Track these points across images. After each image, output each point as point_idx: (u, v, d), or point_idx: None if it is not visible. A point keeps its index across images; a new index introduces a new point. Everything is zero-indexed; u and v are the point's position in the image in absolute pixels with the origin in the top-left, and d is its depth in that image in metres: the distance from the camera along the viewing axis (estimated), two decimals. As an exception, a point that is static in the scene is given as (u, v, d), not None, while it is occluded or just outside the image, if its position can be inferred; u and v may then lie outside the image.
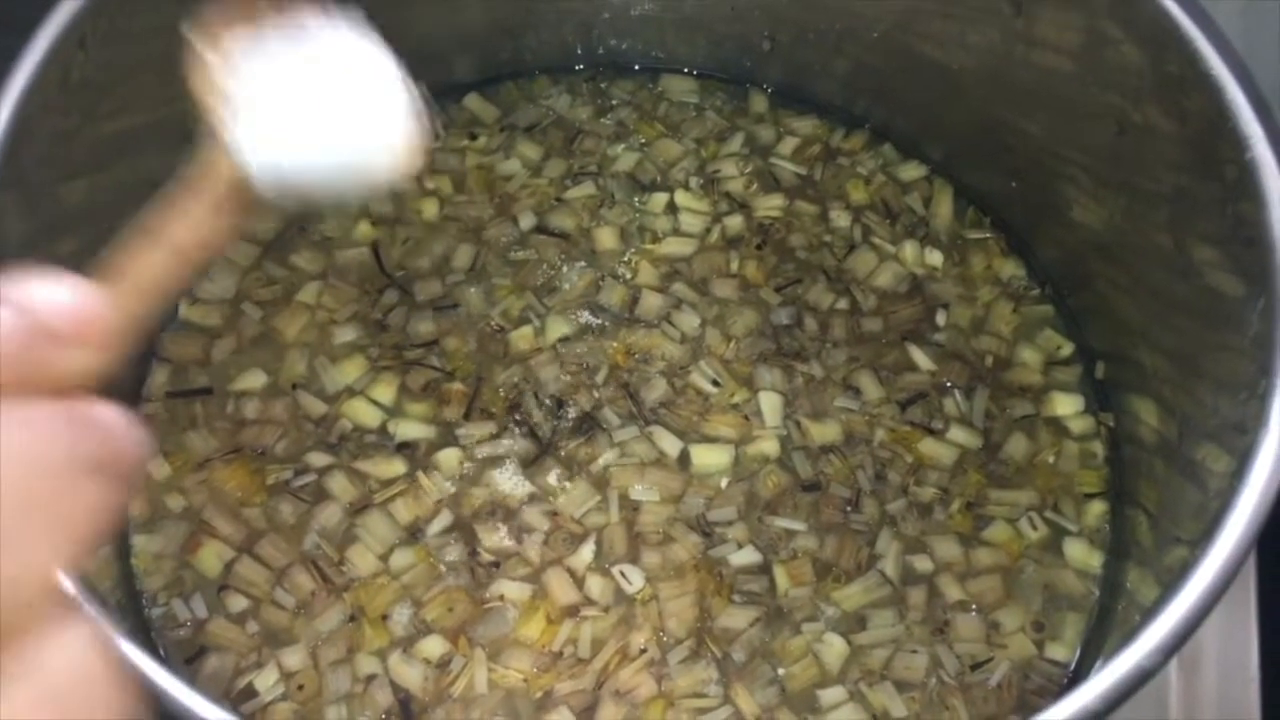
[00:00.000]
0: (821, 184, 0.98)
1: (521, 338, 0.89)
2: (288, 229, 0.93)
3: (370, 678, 0.77)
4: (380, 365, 0.87)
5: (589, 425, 0.85)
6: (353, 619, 0.79)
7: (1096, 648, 0.79)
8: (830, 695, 0.77)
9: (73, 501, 0.32)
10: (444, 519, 0.82)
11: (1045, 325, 0.92)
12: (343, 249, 0.93)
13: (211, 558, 0.80)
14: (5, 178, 0.65)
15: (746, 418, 0.86)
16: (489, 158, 0.98)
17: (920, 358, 0.89)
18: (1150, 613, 0.57)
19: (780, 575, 0.80)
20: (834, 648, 0.78)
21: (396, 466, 0.83)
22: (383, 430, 0.85)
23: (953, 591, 0.81)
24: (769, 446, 0.85)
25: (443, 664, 0.77)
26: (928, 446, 0.86)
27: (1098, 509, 0.85)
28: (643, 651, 0.78)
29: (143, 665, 0.53)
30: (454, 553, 0.81)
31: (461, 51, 1.00)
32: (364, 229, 0.94)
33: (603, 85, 1.03)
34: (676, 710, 0.76)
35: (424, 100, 0.56)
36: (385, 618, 0.79)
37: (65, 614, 0.32)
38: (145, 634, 0.78)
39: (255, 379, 0.87)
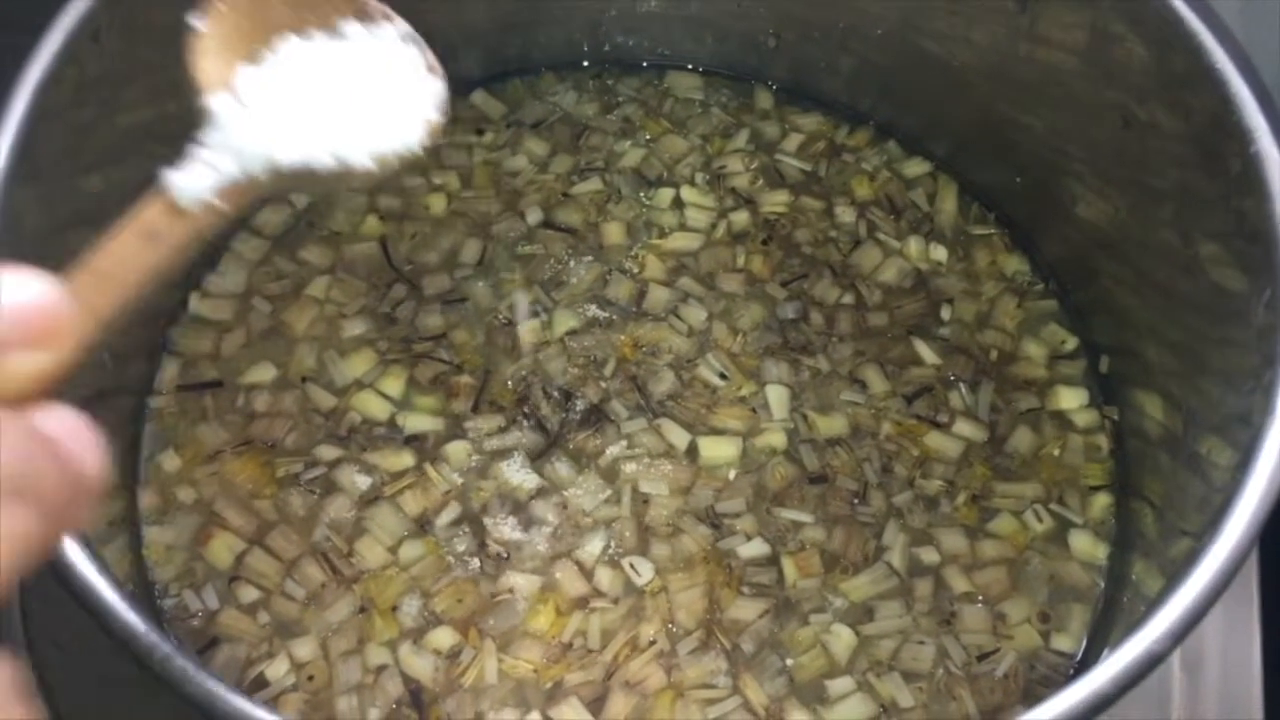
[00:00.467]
0: (827, 180, 0.99)
1: (529, 331, 0.89)
2: (297, 224, 0.94)
3: (381, 668, 0.77)
4: (389, 358, 0.88)
5: (597, 417, 0.86)
6: (363, 610, 0.79)
7: (1102, 638, 0.79)
8: (838, 685, 0.78)
9: None
10: (452, 511, 0.82)
11: (1049, 320, 0.93)
12: (351, 244, 0.93)
13: (222, 549, 0.81)
14: (22, 171, 0.65)
15: (754, 410, 0.87)
16: (496, 153, 0.99)
17: (925, 352, 0.90)
18: (1159, 598, 0.57)
19: (788, 567, 0.81)
20: (842, 638, 0.79)
21: (405, 459, 0.84)
22: (391, 423, 0.85)
23: (959, 583, 0.82)
24: (776, 439, 0.86)
25: (453, 655, 0.78)
26: (933, 440, 0.87)
27: (1102, 501, 0.85)
28: (652, 643, 0.78)
29: (163, 652, 0.54)
30: (463, 544, 0.81)
31: (468, 48, 1.00)
32: (372, 224, 0.94)
33: (609, 82, 1.04)
34: (686, 701, 0.77)
35: (435, 72, 0.55)
36: (395, 609, 0.79)
37: None
38: (158, 625, 0.78)
39: (265, 372, 0.87)
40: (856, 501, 0.84)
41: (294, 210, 0.94)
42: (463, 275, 0.92)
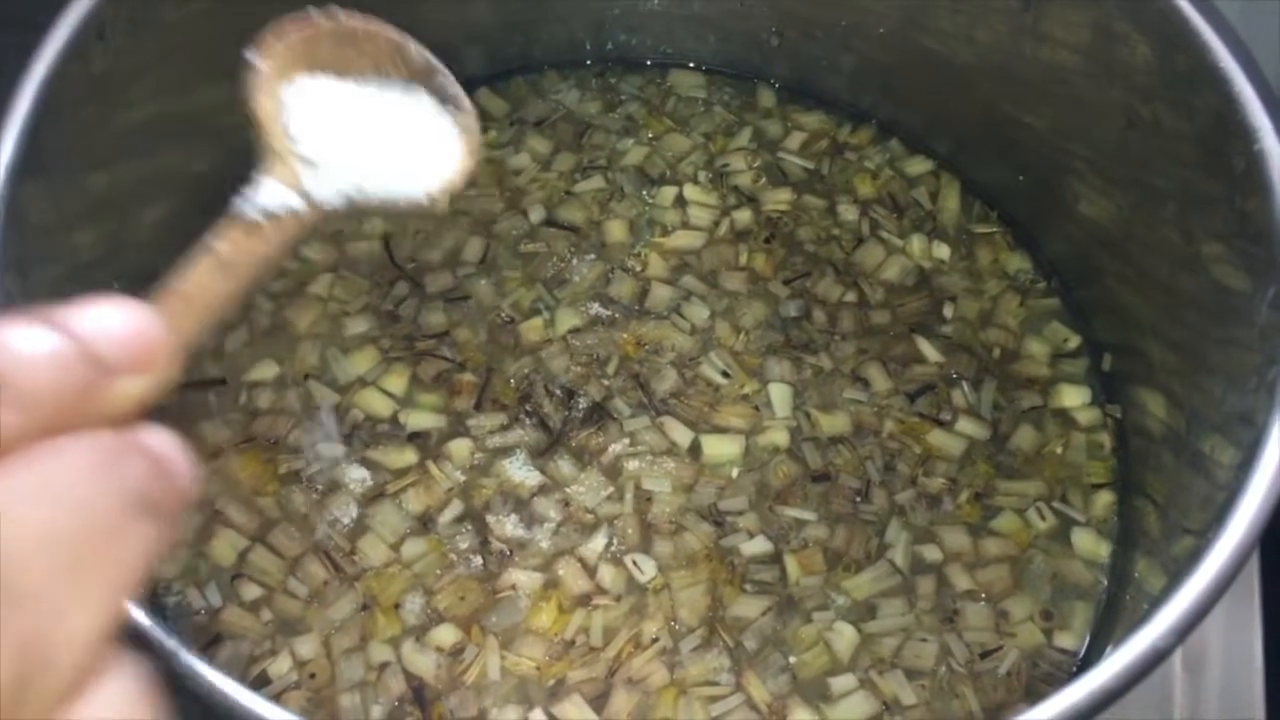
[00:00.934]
0: (829, 178, 0.99)
1: (532, 329, 0.89)
2: (299, 221, 0.94)
3: (383, 666, 0.77)
4: (392, 356, 0.88)
5: (600, 415, 0.86)
6: (365, 608, 0.79)
7: (1105, 636, 0.79)
8: (841, 683, 0.78)
9: (125, 548, 0.30)
10: (455, 508, 0.82)
11: (1052, 318, 0.93)
12: (354, 241, 0.93)
13: (225, 547, 0.81)
14: (28, 168, 0.65)
15: (756, 408, 0.87)
16: (499, 152, 0.99)
17: (928, 350, 0.90)
18: (1163, 596, 0.57)
19: (791, 564, 0.81)
20: (845, 636, 0.79)
21: (408, 456, 0.84)
22: (394, 420, 0.86)
23: (962, 581, 0.82)
24: (779, 437, 0.86)
25: (455, 652, 0.78)
26: (936, 437, 0.87)
27: (1105, 499, 0.85)
28: (655, 640, 0.78)
29: (169, 650, 0.54)
30: (466, 542, 0.81)
31: (471, 46, 1.00)
32: (375, 222, 0.94)
33: (612, 80, 1.04)
34: (688, 698, 0.77)
35: (471, 117, 0.59)
36: (397, 606, 0.79)
37: (113, 662, 0.30)
38: (161, 622, 0.78)
39: (268, 370, 0.87)
40: (859, 499, 0.84)
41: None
42: (465, 273, 0.92)
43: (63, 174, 0.70)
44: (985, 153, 0.97)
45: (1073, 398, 0.89)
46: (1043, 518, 0.84)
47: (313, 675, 0.77)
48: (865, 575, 0.81)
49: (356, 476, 0.83)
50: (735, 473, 0.85)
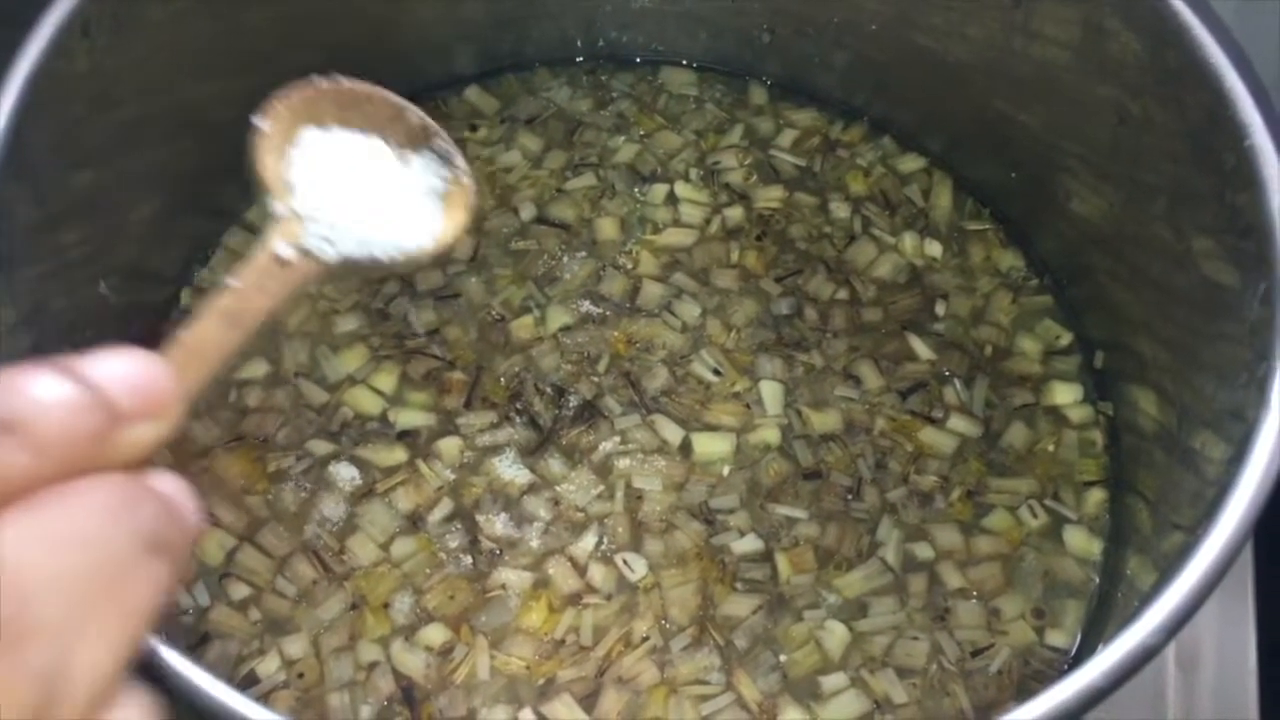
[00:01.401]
0: (821, 176, 0.98)
1: (522, 327, 0.89)
2: (289, 219, 0.94)
3: (372, 665, 0.77)
4: (381, 354, 0.88)
5: (590, 413, 0.86)
6: (354, 607, 0.79)
7: (1097, 634, 0.79)
8: (832, 682, 0.78)
9: (138, 586, 0.32)
10: (445, 507, 0.82)
11: (1044, 315, 0.93)
12: (344, 239, 0.93)
13: (213, 546, 0.80)
14: (12, 167, 0.65)
15: (748, 406, 0.87)
16: (489, 149, 0.98)
17: (920, 347, 0.90)
18: (1154, 591, 0.57)
19: (782, 563, 0.81)
20: (835, 634, 0.79)
21: (397, 454, 0.84)
22: (384, 418, 0.85)
23: (953, 579, 0.82)
24: (770, 435, 0.85)
25: (445, 652, 0.78)
26: (928, 435, 0.86)
27: (1097, 497, 0.85)
28: (645, 639, 0.78)
29: (154, 649, 0.53)
30: (455, 541, 0.81)
31: (462, 43, 1.00)
32: (365, 220, 0.94)
33: (603, 78, 1.03)
34: (679, 697, 0.77)
35: (467, 175, 0.61)
36: (387, 606, 0.79)
37: (124, 694, 0.32)
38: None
39: (257, 367, 0.87)
40: (850, 497, 0.84)
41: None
42: (455, 271, 0.92)
43: (48, 172, 0.70)
44: (978, 150, 0.96)
45: (1065, 395, 0.89)
46: (1034, 515, 0.84)
47: (301, 675, 0.77)
48: (856, 573, 0.81)
49: (346, 475, 0.83)
50: (726, 471, 0.84)
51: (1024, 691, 0.78)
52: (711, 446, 0.85)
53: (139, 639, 0.32)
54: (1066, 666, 0.79)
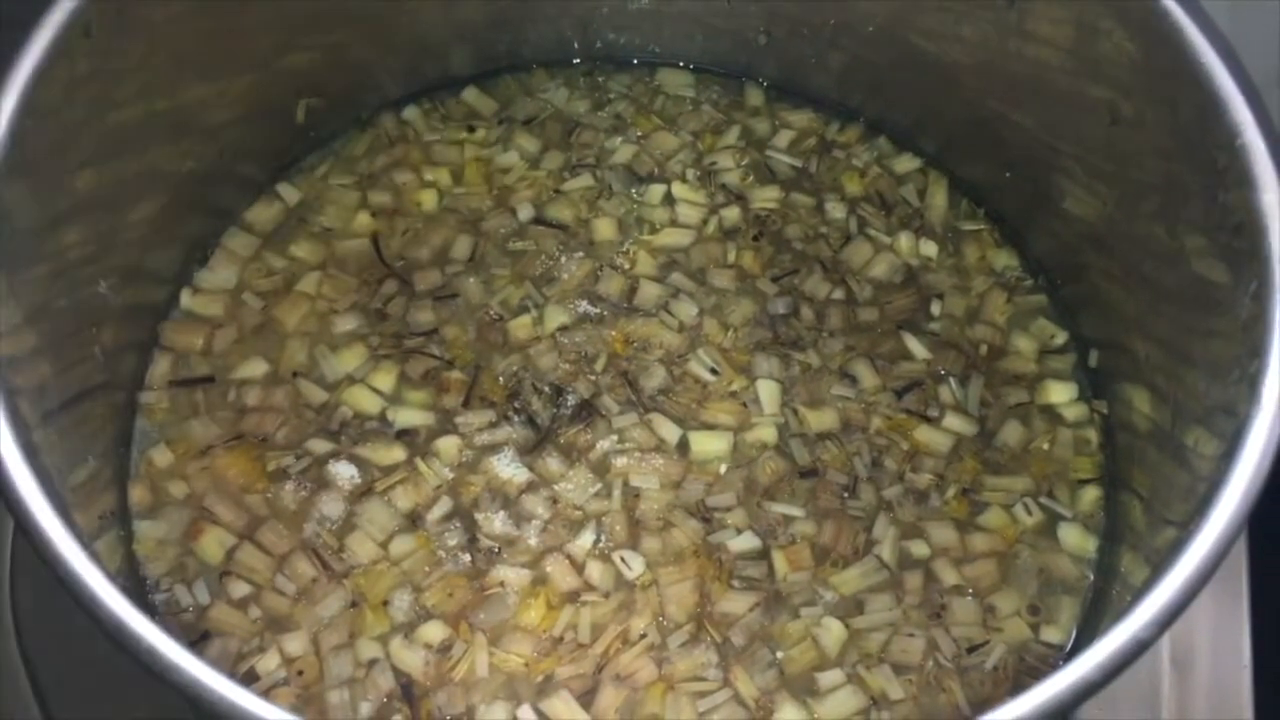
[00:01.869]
0: (817, 176, 0.99)
1: (520, 327, 0.90)
2: (288, 220, 0.94)
3: (372, 662, 0.77)
4: (380, 354, 0.88)
5: (588, 412, 0.86)
6: (353, 605, 0.79)
7: (1091, 630, 0.79)
8: (828, 678, 0.78)
9: None
10: (444, 505, 0.83)
11: (1039, 314, 0.93)
12: (343, 240, 0.93)
13: (213, 544, 0.81)
14: (14, 167, 0.65)
15: (744, 405, 0.87)
16: (487, 150, 0.99)
17: (916, 346, 0.90)
18: (1146, 586, 0.57)
19: (779, 560, 0.81)
20: (832, 631, 0.79)
21: (396, 453, 0.84)
22: (382, 417, 0.86)
23: (949, 576, 0.82)
24: (767, 433, 0.86)
25: (444, 649, 0.78)
26: (924, 434, 0.87)
27: (1092, 494, 0.86)
28: (643, 636, 0.78)
29: (155, 641, 0.54)
30: (454, 539, 0.82)
31: (460, 45, 1.01)
32: (364, 220, 0.94)
33: (600, 79, 1.04)
34: (676, 694, 0.77)
35: None
36: (386, 603, 0.79)
37: None
38: (149, 619, 0.78)
39: (256, 367, 0.87)
40: (847, 495, 0.84)
41: (285, 206, 0.95)
42: (454, 271, 0.92)
43: (49, 173, 0.70)
44: (972, 150, 0.97)
45: (1060, 394, 0.89)
46: (1030, 513, 0.84)
47: (301, 672, 0.77)
48: (853, 571, 0.81)
49: (345, 473, 0.83)
50: (723, 469, 0.85)
51: (1020, 687, 0.77)
52: (708, 445, 0.85)
53: None
54: (1062, 662, 0.79)
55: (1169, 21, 0.72)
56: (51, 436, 0.68)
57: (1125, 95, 0.78)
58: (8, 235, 0.66)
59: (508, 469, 0.84)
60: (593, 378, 0.88)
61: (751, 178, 0.99)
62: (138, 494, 0.83)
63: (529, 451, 0.85)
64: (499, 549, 0.81)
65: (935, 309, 0.92)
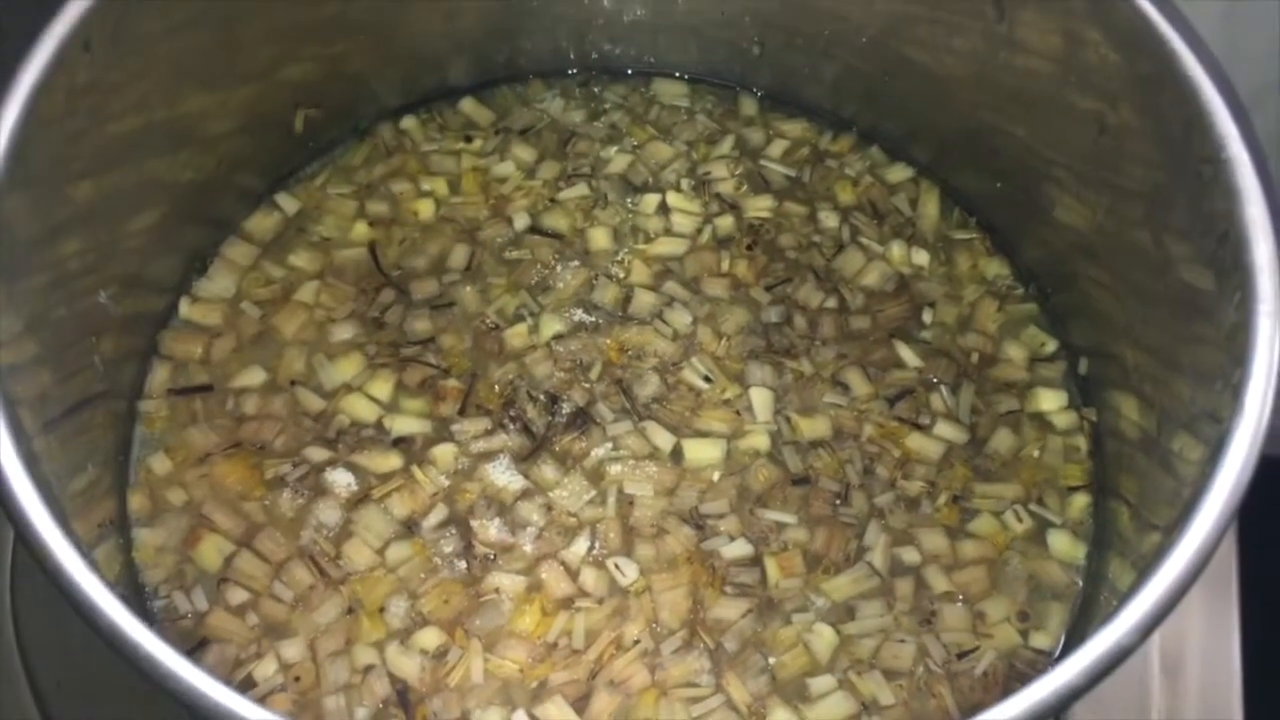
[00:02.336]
0: (810, 185, 1.00)
1: (516, 335, 0.90)
2: (286, 229, 0.95)
3: (368, 668, 0.78)
4: (377, 362, 0.89)
5: (583, 420, 0.87)
6: (350, 611, 0.80)
7: (1080, 636, 0.80)
8: (820, 684, 0.79)
9: None
10: (440, 513, 0.83)
11: (1029, 323, 0.94)
12: (340, 249, 0.94)
13: (211, 551, 0.82)
14: (14, 178, 0.66)
15: (738, 413, 0.88)
16: (484, 160, 1.00)
17: (907, 355, 0.91)
18: (1130, 592, 0.58)
19: (771, 567, 0.82)
20: (823, 637, 0.80)
21: (393, 461, 0.85)
22: (379, 425, 0.86)
23: (939, 582, 0.83)
24: (760, 441, 0.87)
25: (439, 655, 0.79)
26: (915, 441, 0.88)
27: (1081, 502, 0.86)
28: (636, 642, 0.79)
29: (153, 649, 0.55)
30: (450, 546, 0.82)
31: (457, 56, 1.02)
32: (361, 229, 0.95)
33: (595, 89, 1.05)
34: (669, 699, 0.78)
35: None
36: (382, 610, 0.80)
37: None
38: (147, 626, 0.79)
39: (254, 376, 0.88)
40: (838, 502, 0.85)
41: (283, 216, 0.96)
42: (450, 280, 0.93)
43: (49, 184, 0.71)
44: (964, 160, 0.98)
45: (1050, 401, 0.90)
46: (1020, 520, 0.85)
47: (298, 678, 0.78)
48: (844, 577, 0.82)
49: (342, 481, 0.84)
50: (716, 476, 0.86)
51: (1009, 693, 0.78)
52: (702, 452, 0.86)
53: None
54: (1051, 668, 0.80)
55: (1155, 34, 0.73)
56: (52, 445, 0.69)
57: (1113, 106, 0.79)
58: (8, 246, 0.67)
59: (503, 476, 0.85)
60: (587, 386, 0.89)
61: (745, 187, 1.00)
62: (137, 502, 0.83)
63: (524, 459, 0.85)
64: (494, 556, 0.82)
65: (927, 317, 0.93)
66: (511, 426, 0.87)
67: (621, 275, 0.94)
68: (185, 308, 0.91)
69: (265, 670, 0.78)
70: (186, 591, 0.81)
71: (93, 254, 0.77)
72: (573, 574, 0.82)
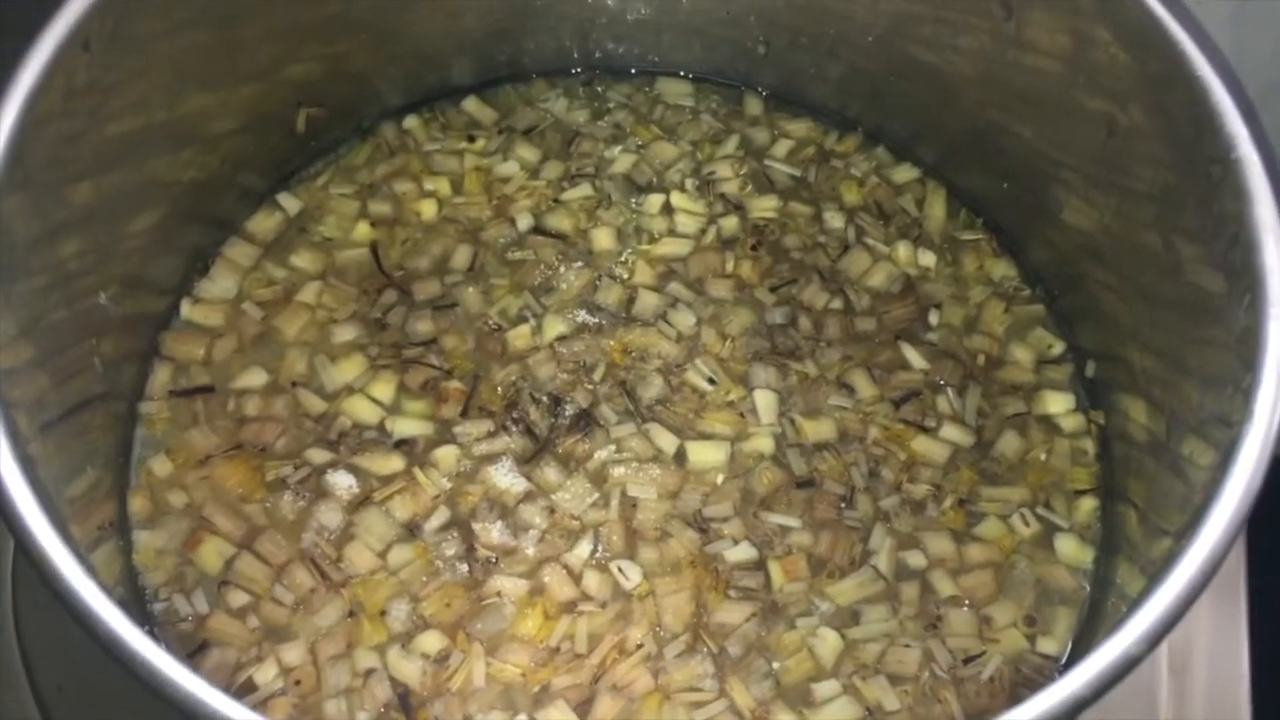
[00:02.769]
0: (815, 186, 0.99)
1: (519, 336, 0.90)
2: (288, 230, 0.95)
3: (369, 672, 0.77)
4: (379, 364, 0.89)
5: (586, 422, 0.86)
6: (351, 615, 0.80)
7: (1087, 641, 0.80)
8: (824, 689, 0.78)
9: None
10: (441, 515, 0.83)
11: (1036, 325, 0.93)
12: (342, 249, 0.94)
13: (212, 554, 0.81)
14: (12, 179, 0.66)
15: (742, 415, 0.87)
16: (487, 160, 0.99)
17: (913, 356, 0.91)
18: (1137, 601, 0.57)
19: (775, 571, 0.81)
20: (828, 642, 0.79)
21: (395, 463, 0.84)
22: (381, 427, 0.86)
23: (945, 587, 0.82)
24: (764, 444, 0.86)
25: (441, 659, 0.78)
26: (921, 444, 0.87)
27: (1088, 505, 0.86)
28: (639, 646, 0.79)
29: (151, 656, 0.54)
30: (452, 549, 0.82)
31: (460, 55, 1.01)
32: (363, 230, 0.95)
33: (599, 89, 1.04)
34: (673, 704, 0.77)
35: None
36: (383, 613, 0.80)
37: None
38: (148, 630, 0.79)
39: (256, 377, 0.88)
40: (843, 506, 0.84)
41: (285, 216, 0.95)
42: (453, 281, 0.93)
43: (47, 186, 0.70)
44: (971, 160, 0.97)
45: (1057, 404, 0.89)
46: (1026, 524, 0.85)
47: (298, 682, 0.77)
48: (849, 581, 0.82)
49: (343, 483, 0.84)
50: (720, 479, 0.85)
51: (1015, 699, 0.78)
52: (706, 455, 0.86)
53: None
54: (1058, 674, 0.80)
55: (1164, 34, 0.72)
56: (49, 448, 0.68)
57: (1122, 107, 0.79)
58: (6, 247, 0.66)
59: (505, 479, 0.84)
60: (590, 387, 0.88)
61: (750, 187, 0.99)
62: (137, 504, 0.83)
63: (527, 461, 0.85)
64: (496, 559, 0.82)
65: (933, 319, 0.93)
66: (514, 428, 0.86)
67: (625, 276, 0.94)
68: (186, 308, 0.90)
69: (266, 674, 0.77)
70: (187, 594, 0.80)
71: (93, 255, 0.77)
72: (575, 577, 0.81)
